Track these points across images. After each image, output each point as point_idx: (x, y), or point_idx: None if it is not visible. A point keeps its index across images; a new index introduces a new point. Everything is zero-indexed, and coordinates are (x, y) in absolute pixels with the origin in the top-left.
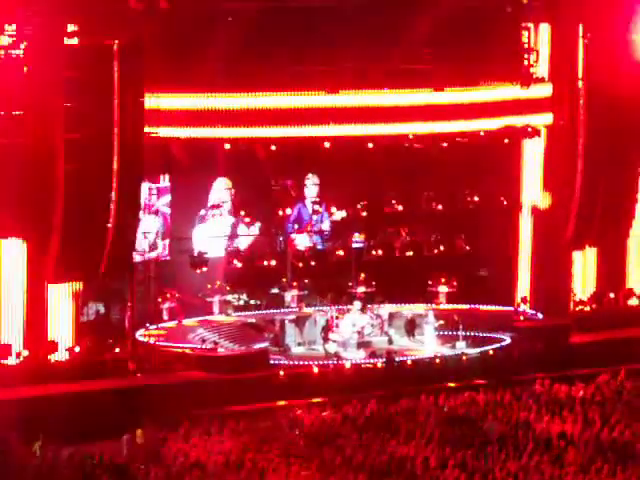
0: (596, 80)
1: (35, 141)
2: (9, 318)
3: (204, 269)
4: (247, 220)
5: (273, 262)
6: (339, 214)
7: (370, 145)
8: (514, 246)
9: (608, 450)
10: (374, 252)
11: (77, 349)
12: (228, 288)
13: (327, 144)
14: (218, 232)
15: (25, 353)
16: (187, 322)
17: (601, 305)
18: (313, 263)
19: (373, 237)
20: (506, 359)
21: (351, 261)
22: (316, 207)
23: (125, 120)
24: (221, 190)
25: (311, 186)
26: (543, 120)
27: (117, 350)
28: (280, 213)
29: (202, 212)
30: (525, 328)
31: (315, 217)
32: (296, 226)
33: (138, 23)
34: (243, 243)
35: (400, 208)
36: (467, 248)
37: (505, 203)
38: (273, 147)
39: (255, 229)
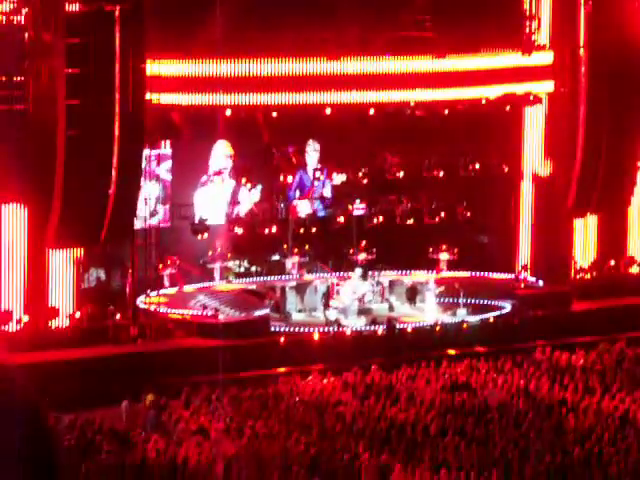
0: (597, 47)
1: (36, 107)
2: (10, 284)
3: (205, 236)
4: (248, 187)
5: (274, 229)
6: (339, 178)
7: (371, 112)
8: (515, 214)
9: (608, 418)
10: (375, 219)
11: (77, 315)
12: (229, 255)
13: (328, 111)
14: (219, 198)
15: (26, 319)
16: (188, 289)
17: (602, 273)
18: (314, 230)
19: (374, 204)
20: (507, 327)
21: (352, 228)
22: (317, 174)
23: (126, 86)
24: (221, 156)
25: (312, 152)
26: (544, 88)
27: (118, 317)
28: (281, 179)
29: (203, 178)
30: (526, 296)
31: (316, 183)
32: (297, 193)
33: None
34: (244, 210)
35: (401, 175)
36: (468, 215)
37: (506, 171)
38: (274, 114)
39: (256, 196)
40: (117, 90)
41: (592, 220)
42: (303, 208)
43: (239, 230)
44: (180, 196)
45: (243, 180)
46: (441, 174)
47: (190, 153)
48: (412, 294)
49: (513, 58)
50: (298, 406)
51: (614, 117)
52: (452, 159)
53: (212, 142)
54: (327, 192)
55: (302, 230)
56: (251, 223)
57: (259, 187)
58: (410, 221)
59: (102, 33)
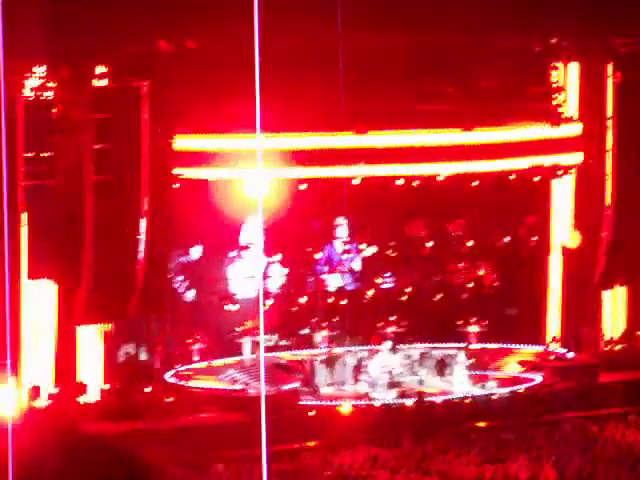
0: (626, 118)
1: (64, 183)
2: (39, 360)
3: (234, 309)
4: (277, 261)
5: (303, 303)
6: (370, 250)
7: (399, 183)
8: (544, 285)
9: None
10: (404, 291)
11: (107, 390)
12: (259, 329)
13: (356, 182)
14: (248, 273)
15: (53, 395)
16: (217, 363)
17: (631, 344)
18: (343, 303)
19: (403, 277)
20: (536, 399)
21: (381, 301)
22: (346, 247)
23: (153, 162)
24: (251, 231)
25: (341, 226)
26: (572, 160)
27: (147, 391)
28: (310, 253)
29: (232, 253)
30: (555, 367)
31: (345, 257)
32: (326, 267)
33: (167, 64)
34: (273, 284)
35: (429, 247)
36: (496, 285)
37: (535, 242)
38: (303, 187)
39: (285, 270)
40: (144, 165)
41: (621, 291)
42: (331, 282)
43: (268, 304)
44: (209, 270)
45: (273, 255)
46: (469, 244)
47: (219, 228)
48: (441, 367)
49: (541, 130)
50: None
51: None
52: (480, 231)
53: (241, 217)
54: (356, 266)
55: (331, 304)
56: (280, 297)
57: (288, 261)
58: (439, 294)
59: (129, 108)
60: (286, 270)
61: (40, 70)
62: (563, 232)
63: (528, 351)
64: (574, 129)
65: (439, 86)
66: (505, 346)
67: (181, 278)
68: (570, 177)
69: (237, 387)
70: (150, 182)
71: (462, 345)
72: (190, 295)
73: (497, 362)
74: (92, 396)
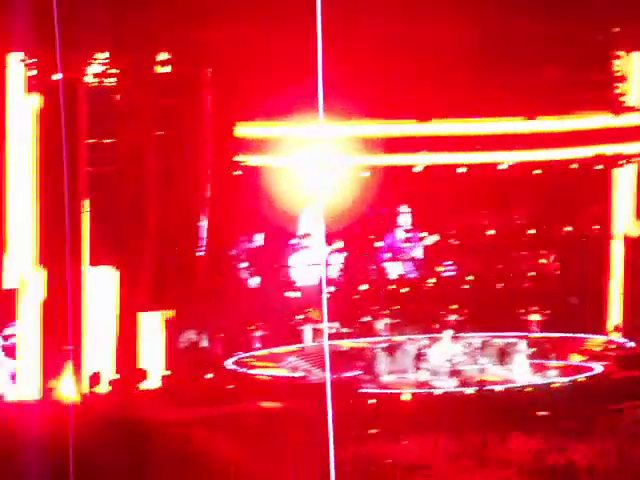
0: None
1: (126, 169)
2: (100, 346)
3: (296, 297)
4: (339, 249)
5: (365, 290)
6: (431, 238)
7: (462, 171)
8: (605, 274)
9: None
10: (466, 280)
11: (167, 377)
12: (320, 316)
13: (418, 170)
14: (310, 260)
15: (114, 381)
16: (278, 350)
17: None
18: (405, 291)
19: (465, 265)
20: (598, 388)
21: (442, 289)
22: (408, 235)
23: (215, 148)
24: (313, 218)
25: (403, 214)
26: (634, 149)
27: (209, 378)
28: (372, 241)
29: (294, 240)
30: (617, 357)
31: (407, 245)
32: (388, 255)
33: (230, 51)
34: (335, 272)
35: (491, 235)
36: (557, 273)
37: (597, 231)
38: (366, 174)
39: (347, 258)
40: (207, 152)
41: None
42: (393, 269)
43: (330, 292)
44: (271, 257)
45: (334, 242)
46: (531, 233)
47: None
48: (503, 355)
49: (603, 119)
50: (389, 469)
51: None
52: (542, 220)
53: (302, 204)
54: (417, 254)
55: (393, 291)
56: (342, 285)
57: (350, 249)
58: (501, 282)
59: (191, 95)
60: (348, 258)
61: (103, 57)
62: (625, 221)
63: (590, 340)
64: (636, 118)
65: (504, 75)
66: (566, 335)
67: (243, 265)
68: (632, 166)
69: (298, 374)
70: (212, 169)
71: (523, 334)
72: (252, 282)
73: (558, 351)
74: (153, 383)
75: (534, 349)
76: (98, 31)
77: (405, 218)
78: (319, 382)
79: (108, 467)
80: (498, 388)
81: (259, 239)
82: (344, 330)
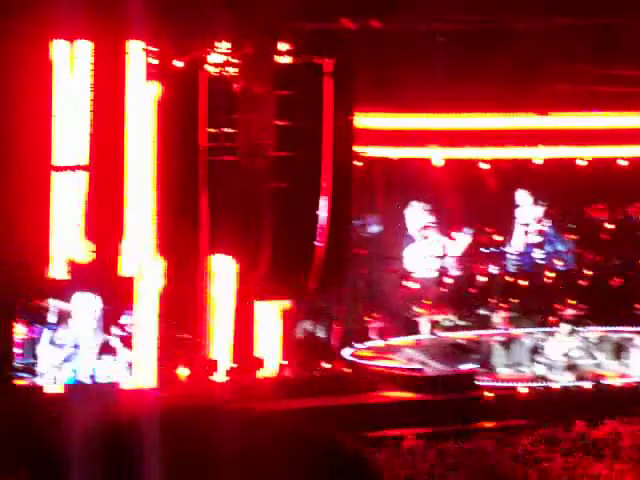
0: None
1: (245, 158)
2: (218, 335)
3: (413, 288)
4: (457, 241)
5: (482, 283)
6: (551, 232)
7: (580, 165)
8: None
9: None
10: (583, 274)
11: (285, 366)
12: (436, 308)
13: (538, 163)
14: (427, 252)
15: (231, 369)
16: (394, 341)
17: None
18: (522, 284)
19: (583, 260)
20: None
21: (560, 283)
22: (526, 228)
23: (335, 139)
24: (430, 210)
25: (521, 207)
26: None
27: (325, 368)
28: (490, 234)
29: (411, 232)
30: None
31: (523, 238)
32: (506, 248)
33: (350, 42)
34: (451, 263)
35: (609, 229)
36: None
37: None
38: (484, 166)
39: (465, 250)
40: (326, 143)
41: None
42: (512, 262)
43: (447, 283)
44: (388, 249)
45: (452, 234)
46: None
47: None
48: (619, 350)
49: None
50: (503, 461)
51: None
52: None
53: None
54: (540, 247)
55: (510, 284)
56: (459, 277)
57: (468, 240)
58: (618, 276)
59: (312, 85)
60: (466, 250)
61: (224, 46)
62: None
63: None
64: None
65: (615, 69)
66: None
67: (360, 256)
68: None
69: (414, 366)
70: (331, 159)
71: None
72: (369, 273)
73: None
74: (270, 372)
75: None
76: (220, 20)
77: (523, 211)
78: (435, 374)
79: (225, 456)
80: (614, 383)
81: (377, 230)
82: (460, 322)
